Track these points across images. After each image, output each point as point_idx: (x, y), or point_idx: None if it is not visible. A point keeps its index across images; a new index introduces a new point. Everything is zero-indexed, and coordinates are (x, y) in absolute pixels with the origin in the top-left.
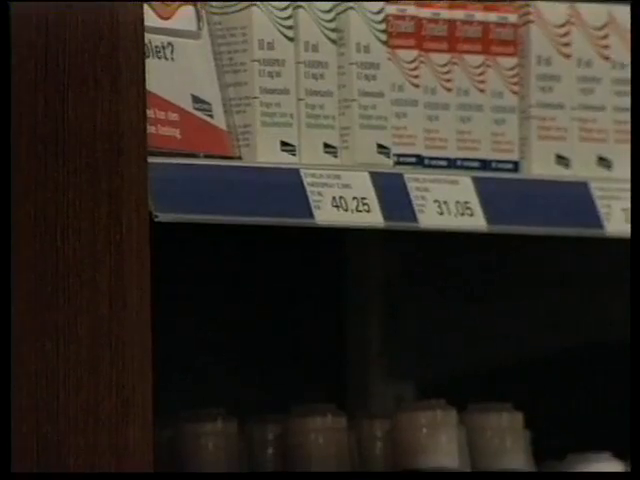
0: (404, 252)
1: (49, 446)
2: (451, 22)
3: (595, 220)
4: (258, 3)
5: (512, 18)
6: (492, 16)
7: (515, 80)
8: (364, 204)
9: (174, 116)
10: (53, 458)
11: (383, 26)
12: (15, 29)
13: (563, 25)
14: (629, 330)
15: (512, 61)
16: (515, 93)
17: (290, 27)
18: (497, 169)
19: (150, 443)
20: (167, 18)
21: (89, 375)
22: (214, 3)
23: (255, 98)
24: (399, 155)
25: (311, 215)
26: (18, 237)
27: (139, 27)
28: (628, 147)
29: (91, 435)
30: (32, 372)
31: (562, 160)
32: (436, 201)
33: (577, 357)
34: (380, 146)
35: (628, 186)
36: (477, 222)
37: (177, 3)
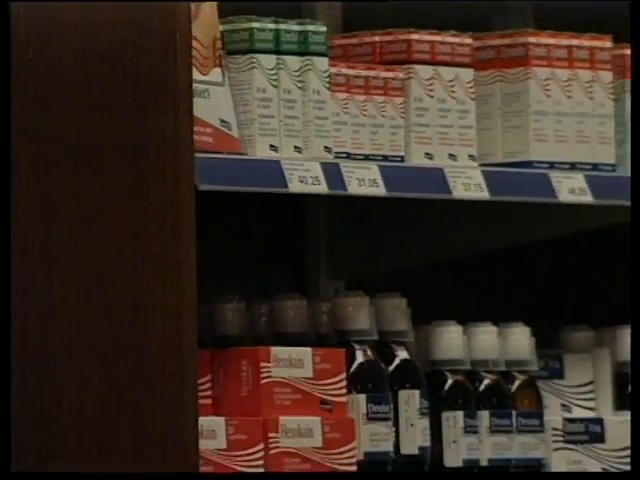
0: (339, 207)
1: (141, 309)
2: (366, 77)
3: (447, 190)
4: (257, 66)
5: (401, 75)
6: (390, 74)
7: (402, 110)
8: (317, 180)
9: (209, 130)
10: (138, 325)
11: (328, 79)
12: (112, 77)
13: (430, 79)
14: (479, 250)
15: (401, 99)
16: (402, 118)
17: (276, 79)
18: (392, 160)
19: (195, 315)
20: (205, 74)
21: (160, 279)
22: (232, 66)
23: (254, 120)
24: (337, 152)
25: (287, 187)
26: (121, 202)
27: (188, 79)
28: (467, 148)
29: (162, 311)
30: (126, 282)
31: (428, 155)
32: (357, 179)
33: (436, 267)
34: (326, 147)
35: (466, 170)
36: (380, 191)
37: (211, 66)
